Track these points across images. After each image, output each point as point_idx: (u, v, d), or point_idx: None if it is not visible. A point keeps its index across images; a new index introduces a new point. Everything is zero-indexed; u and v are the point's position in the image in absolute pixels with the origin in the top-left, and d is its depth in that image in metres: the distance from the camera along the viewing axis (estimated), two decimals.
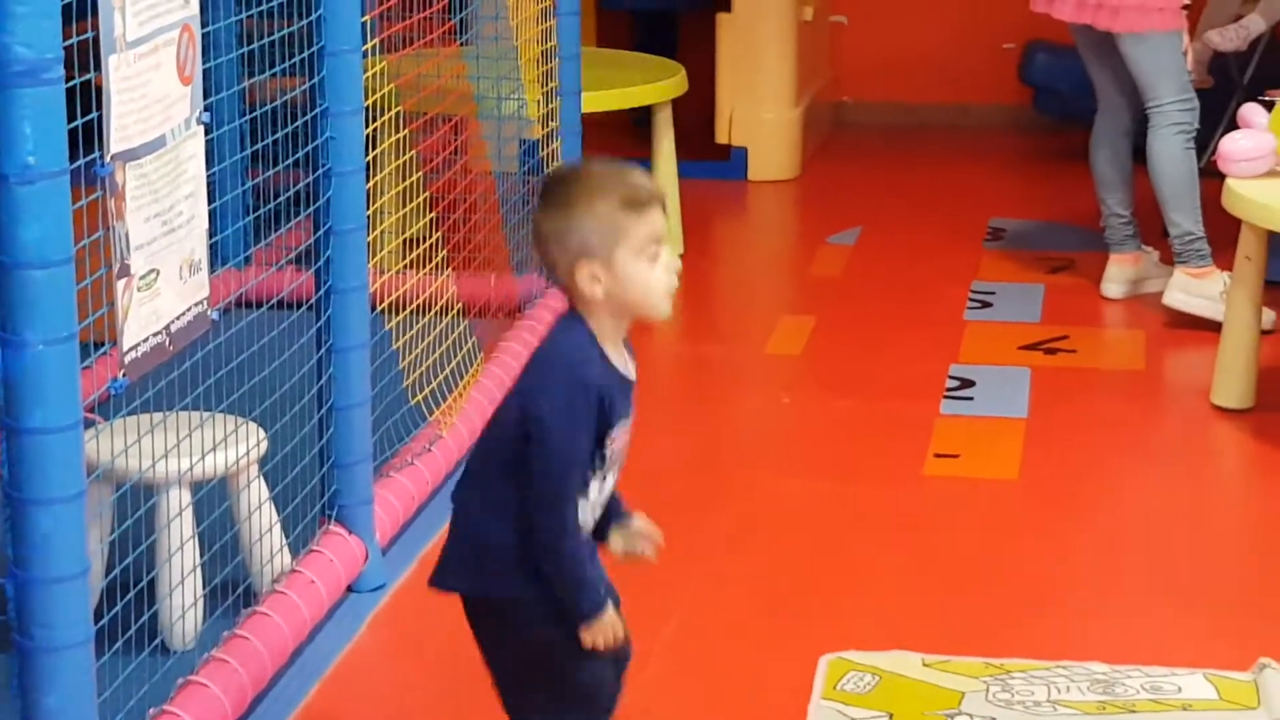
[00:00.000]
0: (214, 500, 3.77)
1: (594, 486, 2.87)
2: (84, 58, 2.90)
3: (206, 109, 3.29)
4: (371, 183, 4.11)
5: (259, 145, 3.89)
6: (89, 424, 2.98)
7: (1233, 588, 4.15)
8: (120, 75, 2.95)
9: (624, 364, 2.88)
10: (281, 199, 3.97)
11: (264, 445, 3.83)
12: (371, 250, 4.10)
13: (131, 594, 3.30)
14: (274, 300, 3.91)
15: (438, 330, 4.69)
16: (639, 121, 6.97)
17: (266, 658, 3.54)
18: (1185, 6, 5.77)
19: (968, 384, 5.34)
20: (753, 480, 4.73)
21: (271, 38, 3.79)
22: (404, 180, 4.67)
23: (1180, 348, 5.63)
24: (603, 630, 2.85)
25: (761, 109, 7.47)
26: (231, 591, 3.71)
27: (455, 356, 4.77)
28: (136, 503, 3.57)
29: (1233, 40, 6.82)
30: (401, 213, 4.67)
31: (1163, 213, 5.81)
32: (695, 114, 7.31)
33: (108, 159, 2.96)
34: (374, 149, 4.23)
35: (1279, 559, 4.31)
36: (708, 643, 3.86)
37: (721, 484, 4.66)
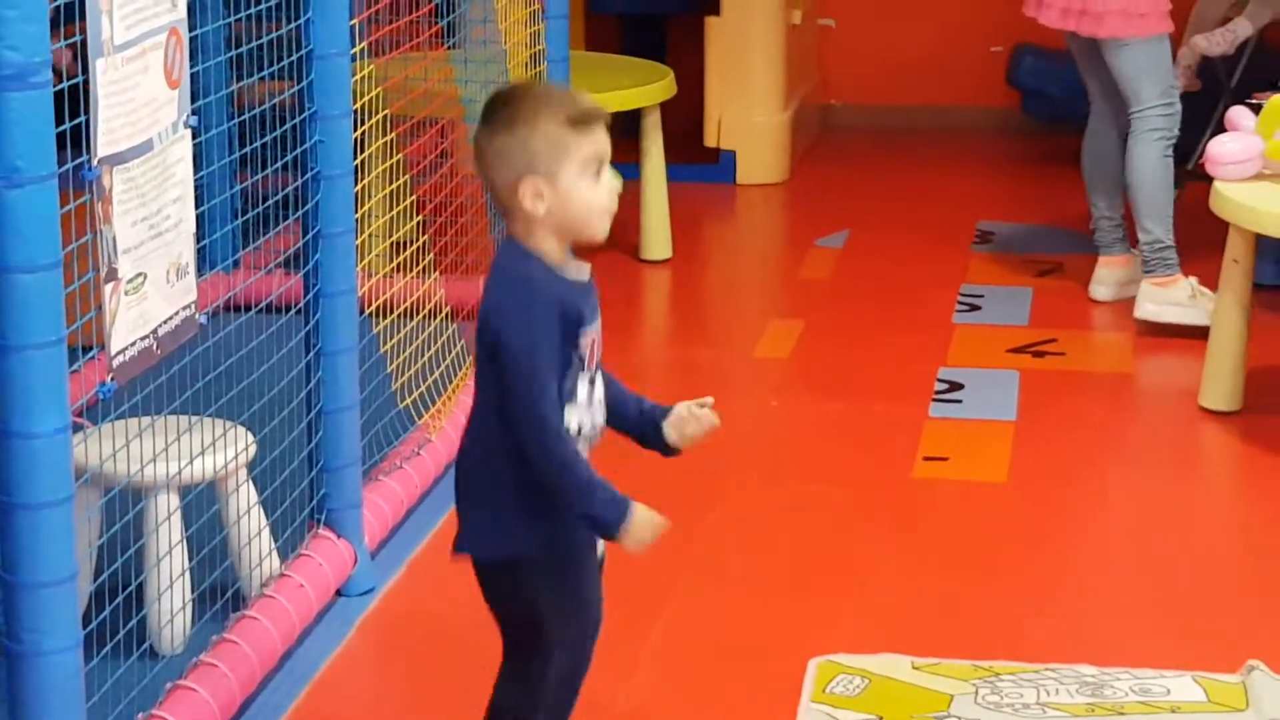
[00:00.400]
0: (202, 504, 3.77)
1: (582, 389, 2.88)
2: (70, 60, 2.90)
3: (194, 112, 3.28)
4: (360, 186, 4.11)
5: (247, 149, 3.89)
6: (77, 428, 2.98)
7: (1221, 590, 4.15)
8: (108, 79, 2.95)
9: (576, 271, 2.88)
10: (270, 202, 3.97)
11: (253, 449, 3.83)
12: (360, 253, 4.10)
13: (120, 598, 3.30)
14: (262, 304, 3.91)
15: (426, 333, 4.69)
16: (628, 126, 6.97)
17: (255, 662, 3.54)
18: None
19: (956, 387, 5.34)
20: (741, 483, 4.73)
21: (260, 41, 3.78)
22: (392, 183, 4.66)
23: (1168, 350, 5.63)
24: (640, 530, 2.84)
25: (750, 112, 7.47)
26: (220, 595, 3.71)
27: (444, 360, 4.77)
28: (125, 507, 3.57)
29: (1220, 45, 6.82)
30: (390, 216, 4.67)
31: (1135, 219, 5.81)
32: (684, 117, 7.31)
33: (95, 162, 2.95)
34: (362, 152, 4.23)
35: (1267, 561, 4.32)
36: (696, 646, 3.86)
37: (710, 487, 4.66)
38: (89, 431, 3.52)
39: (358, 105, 4.10)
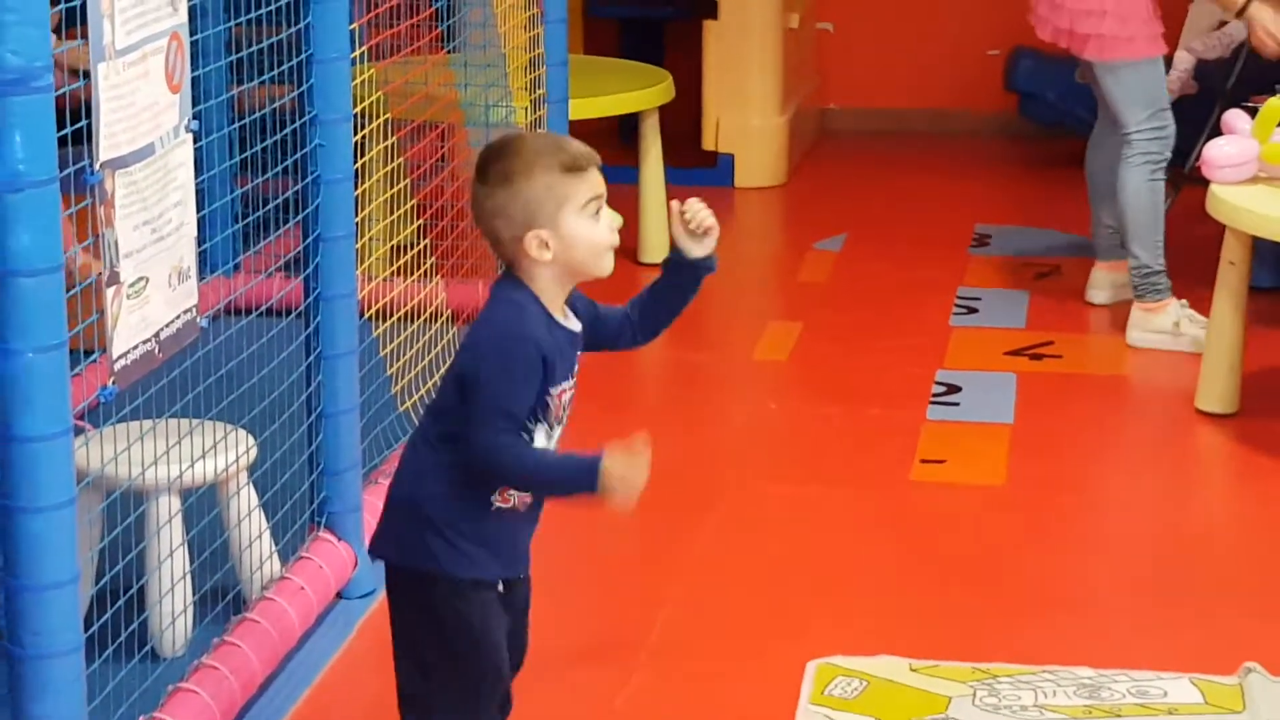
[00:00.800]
0: (203, 507, 3.77)
1: (539, 438, 2.86)
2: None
3: (195, 117, 3.28)
4: (360, 190, 4.11)
5: (248, 153, 3.89)
6: (79, 431, 2.98)
7: (1219, 592, 4.15)
8: (109, 83, 2.95)
9: (567, 319, 2.90)
10: (270, 206, 3.97)
11: (253, 452, 3.83)
12: (360, 257, 4.10)
13: (121, 601, 3.30)
14: (263, 307, 3.91)
15: (427, 337, 4.69)
16: (626, 129, 6.97)
17: (256, 664, 3.54)
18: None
19: (954, 390, 5.34)
20: (740, 486, 4.73)
21: (260, 45, 3.78)
22: (392, 187, 4.67)
23: (1164, 353, 5.63)
24: (617, 480, 2.78)
25: (748, 116, 7.47)
26: (221, 598, 3.71)
27: (444, 363, 4.77)
28: (126, 510, 3.56)
29: (1215, 48, 6.82)
30: (390, 220, 4.67)
31: (1124, 242, 5.77)
32: (682, 121, 7.31)
33: (97, 167, 2.95)
34: (362, 156, 4.23)
35: (1264, 563, 4.32)
36: (695, 647, 3.86)
37: (709, 489, 4.66)
38: (91, 435, 3.52)
39: (358, 109, 4.10)
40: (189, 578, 3.67)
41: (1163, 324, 5.64)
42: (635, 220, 6.45)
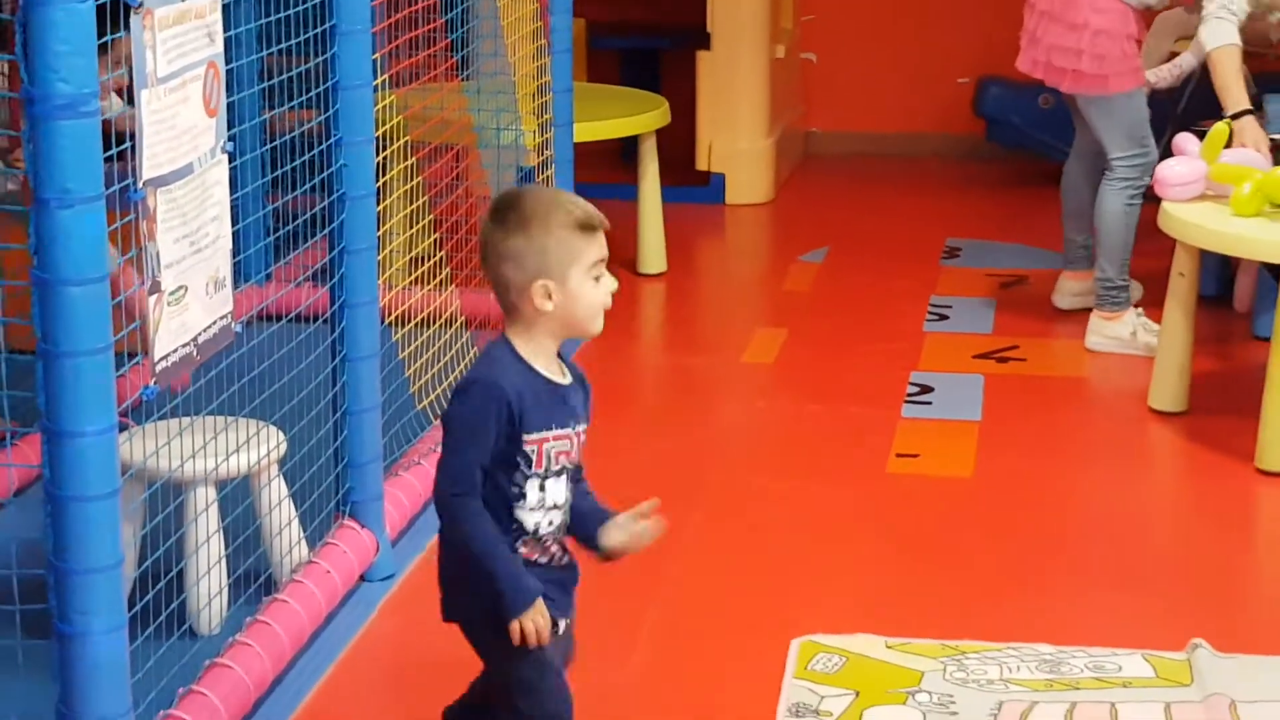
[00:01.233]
0: (237, 497, 3.77)
1: (531, 490, 2.81)
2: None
3: (230, 139, 3.29)
4: (381, 206, 4.11)
5: (278, 172, 3.89)
6: (123, 427, 2.98)
7: (1168, 575, 4.15)
8: (151, 108, 2.95)
9: (556, 373, 2.83)
10: (299, 221, 3.98)
11: (283, 447, 3.83)
12: (381, 268, 4.10)
13: (162, 583, 3.30)
14: (292, 314, 3.91)
15: (442, 341, 4.69)
16: (626, 150, 6.97)
17: (286, 641, 3.53)
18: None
19: (927, 390, 5.34)
20: (730, 478, 4.73)
21: (290, 74, 3.78)
22: (411, 204, 4.66)
23: (1120, 356, 5.63)
24: (527, 622, 2.76)
25: (738, 139, 7.47)
26: (254, 581, 3.71)
27: (459, 365, 4.77)
28: (166, 500, 3.57)
29: (1167, 79, 6.82)
30: (409, 234, 4.67)
31: (1096, 254, 5.76)
32: (677, 143, 7.31)
33: (140, 185, 2.96)
34: (384, 175, 4.23)
35: (1209, 550, 4.32)
36: (689, 627, 3.86)
37: (701, 481, 4.66)
38: (133, 430, 3.52)
39: (380, 132, 4.10)
40: (224, 562, 3.67)
41: (1120, 331, 5.64)
42: (634, 234, 6.45)
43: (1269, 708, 3.47)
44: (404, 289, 4.61)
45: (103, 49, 2.68)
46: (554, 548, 2.88)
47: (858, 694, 3.52)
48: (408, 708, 3.52)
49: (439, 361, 4.63)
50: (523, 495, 2.81)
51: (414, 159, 4.66)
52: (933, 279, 6.46)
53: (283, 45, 3.71)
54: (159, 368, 3.04)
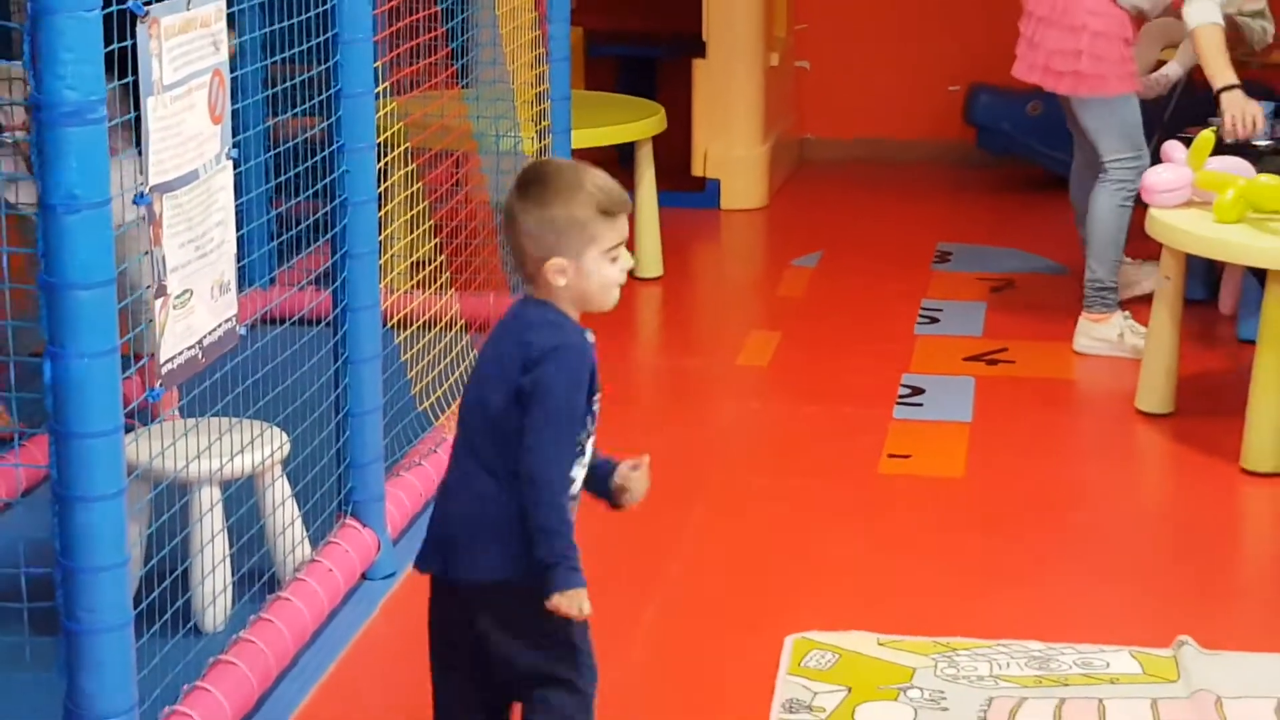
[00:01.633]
0: (241, 497, 3.76)
1: (588, 446, 2.80)
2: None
3: (235, 145, 3.28)
4: (383, 211, 4.11)
5: (282, 178, 3.89)
6: (129, 428, 2.97)
7: (1155, 574, 4.15)
8: (158, 115, 2.95)
9: (589, 335, 2.82)
10: (302, 226, 3.97)
11: (286, 447, 3.82)
12: (383, 272, 4.10)
13: (167, 582, 3.30)
14: (296, 317, 3.91)
15: (442, 344, 4.68)
16: (623, 157, 6.97)
17: (289, 639, 3.53)
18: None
19: (918, 391, 5.34)
20: (725, 478, 4.73)
21: (293, 81, 3.78)
22: (412, 209, 4.66)
23: (1108, 359, 5.63)
24: (578, 599, 2.68)
25: (733, 145, 7.47)
26: (257, 579, 3.70)
27: (458, 368, 4.76)
28: (172, 499, 3.57)
29: (1154, 88, 6.82)
30: (410, 238, 4.67)
31: (1086, 254, 5.76)
32: (674, 150, 7.31)
33: (147, 191, 2.95)
34: (385, 181, 4.23)
35: (1196, 549, 4.31)
36: (685, 624, 3.86)
37: (698, 481, 4.65)
38: (139, 431, 3.51)
39: (381, 139, 4.10)
40: (228, 560, 3.66)
41: (1107, 333, 5.64)
42: (631, 239, 6.43)
43: (1253, 704, 3.47)
44: (405, 293, 4.60)
45: None
46: (574, 505, 2.83)
47: (850, 690, 3.52)
48: (409, 704, 3.51)
49: (440, 364, 4.63)
50: (582, 452, 2.79)
51: (415, 165, 4.66)
52: (924, 283, 6.46)
53: (286, 54, 3.71)
54: (165, 370, 3.03)
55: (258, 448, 3.70)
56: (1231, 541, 4.44)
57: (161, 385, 3.02)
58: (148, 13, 2.89)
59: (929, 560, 4.20)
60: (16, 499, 4.20)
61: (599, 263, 2.75)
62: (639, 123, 6.46)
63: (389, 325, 4.29)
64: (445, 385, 4.61)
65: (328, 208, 3.90)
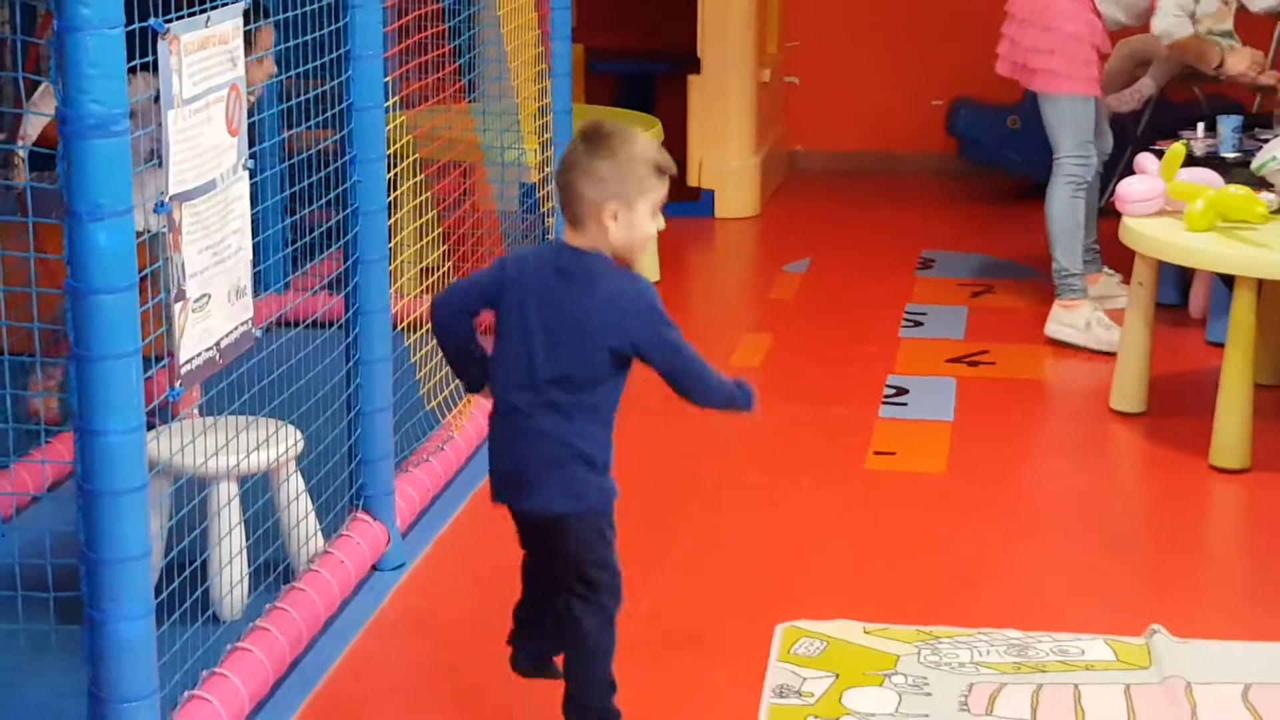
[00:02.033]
0: (258, 492, 3.76)
1: None
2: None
3: (251, 156, 3.28)
4: (393, 220, 4.11)
5: (296, 188, 3.89)
6: (150, 426, 2.97)
7: (1128, 565, 4.15)
8: (178, 128, 2.95)
9: None
10: (316, 233, 3.97)
11: (300, 444, 3.82)
12: (393, 277, 4.10)
13: (187, 573, 3.30)
14: (309, 320, 3.91)
15: None
16: None
17: (303, 627, 3.53)
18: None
19: (902, 391, 5.34)
20: (719, 474, 4.73)
21: (307, 96, 3.78)
22: (420, 218, 4.66)
23: (1083, 360, 5.64)
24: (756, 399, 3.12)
25: (726, 156, 7.47)
26: (273, 570, 3.70)
27: None
28: (191, 494, 3.57)
29: (1128, 103, 6.85)
30: (418, 245, 4.67)
31: (1049, 248, 5.82)
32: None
33: (167, 199, 2.95)
34: (395, 191, 4.23)
35: (1167, 541, 4.32)
36: (681, 613, 3.85)
37: (693, 477, 4.66)
38: (160, 429, 3.51)
39: (391, 150, 4.10)
40: (245, 552, 3.66)
41: (1076, 321, 5.70)
42: None
43: (1221, 689, 3.47)
44: (414, 297, 4.60)
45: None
46: None
47: (837, 676, 3.52)
48: (418, 688, 3.51)
49: (446, 365, 4.62)
50: None
51: (423, 175, 4.66)
52: (908, 288, 6.46)
53: (300, 69, 3.71)
54: (184, 370, 3.04)
55: (273, 445, 3.70)
56: (1200, 535, 4.44)
57: (181, 385, 3.02)
58: (168, 30, 2.89)
59: (913, 552, 4.20)
60: (43, 493, 4.20)
61: (644, 215, 2.97)
62: None
63: (399, 328, 4.29)
64: (452, 385, 4.61)
65: (340, 216, 3.90)
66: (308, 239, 3.96)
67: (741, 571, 4.08)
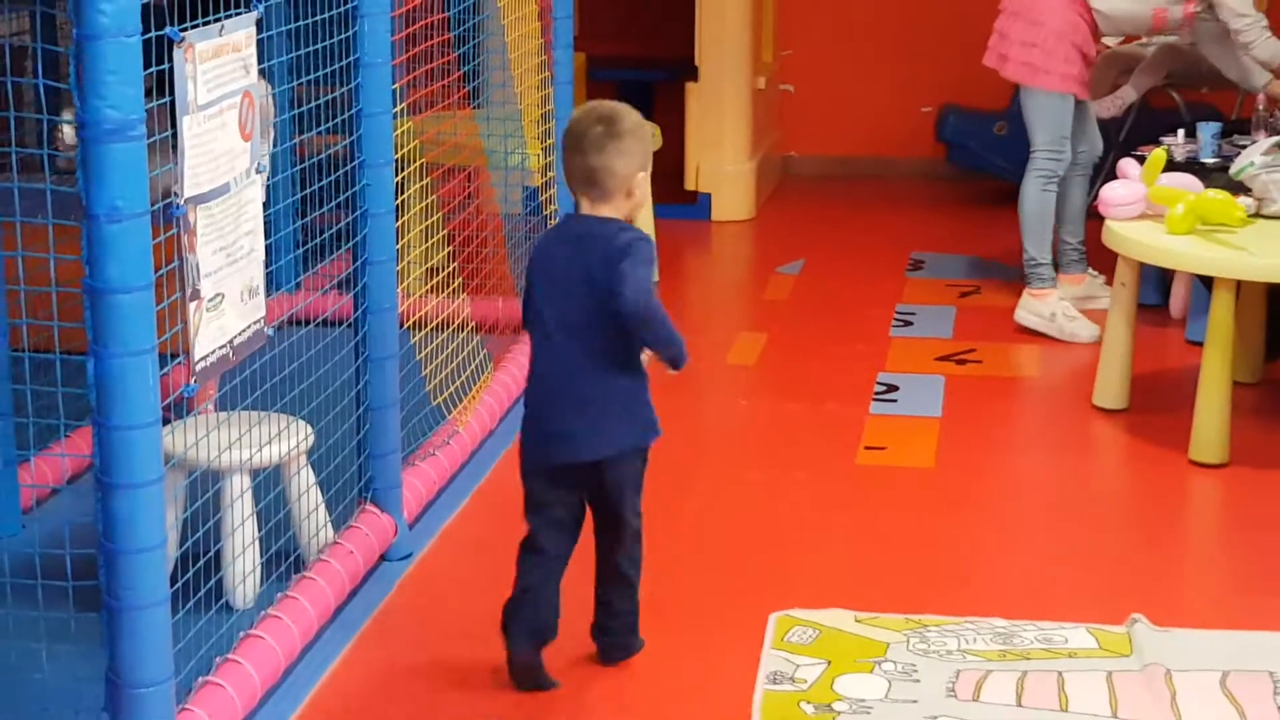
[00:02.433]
0: (269, 485, 3.76)
1: None
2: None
3: (264, 160, 3.28)
4: (400, 222, 4.11)
5: (307, 191, 3.89)
6: (166, 421, 2.98)
7: (1109, 556, 4.15)
8: (192, 133, 2.95)
9: None
10: (325, 235, 3.97)
11: (311, 439, 3.82)
12: (400, 278, 4.10)
13: (201, 562, 3.30)
14: (320, 319, 3.91)
15: (455, 344, 4.68)
16: None
17: (313, 615, 3.53)
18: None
19: (893, 389, 5.34)
20: (716, 468, 4.73)
21: (318, 102, 3.78)
22: (427, 220, 4.66)
23: (1067, 358, 5.64)
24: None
25: (723, 161, 7.47)
26: (284, 560, 3.70)
27: (469, 366, 4.77)
28: (205, 486, 3.57)
29: (1110, 109, 6.85)
30: (425, 247, 4.67)
31: (1021, 239, 5.85)
32: (668, 165, 7.31)
33: (182, 202, 2.96)
34: (402, 194, 4.23)
35: (1148, 533, 4.32)
36: (678, 602, 3.85)
37: (690, 472, 4.65)
38: (175, 424, 3.51)
39: (399, 155, 4.10)
40: (257, 543, 3.66)
41: (1042, 310, 5.75)
42: None
43: (1200, 676, 3.47)
44: (421, 297, 4.60)
45: None
46: None
47: (829, 663, 3.52)
48: (425, 676, 3.51)
49: (452, 362, 4.63)
50: None
51: (430, 179, 4.66)
52: (898, 289, 6.46)
53: (311, 76, 3.71)
54: (198, 367, 3.04)
55: (284, 439, 3.70)
56: (1180, 527, 4.45)
57: (196, 381, 3.02)
58: (184, 38, 2.89)
59: (902, 544, 4.20)
60: (63, 486, 4.20)
61: (645, 182, 3.26)
62: None
63: (406, 326, 4.29)
64: (457, 382, 4.61)
65: (349, 218, 3.90)
66: (318, 240, 3.96)
67: (737, 562, 4.08)
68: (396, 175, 4.02)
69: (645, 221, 6.44)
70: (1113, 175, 5.39)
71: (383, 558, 4.00)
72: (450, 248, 4.81)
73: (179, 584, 3.09)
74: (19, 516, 4.07)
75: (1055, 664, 3.53)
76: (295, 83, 3.78)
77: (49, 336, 3.30)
